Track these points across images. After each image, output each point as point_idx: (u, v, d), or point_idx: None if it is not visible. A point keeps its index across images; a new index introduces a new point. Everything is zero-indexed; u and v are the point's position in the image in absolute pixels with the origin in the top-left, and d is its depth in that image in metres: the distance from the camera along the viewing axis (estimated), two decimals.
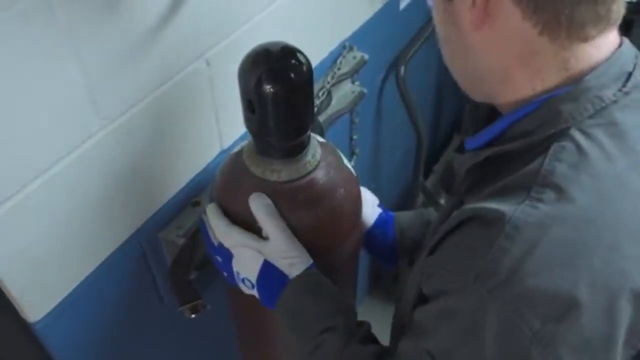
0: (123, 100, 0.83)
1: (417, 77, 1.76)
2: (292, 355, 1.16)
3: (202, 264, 1.05)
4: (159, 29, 0.83)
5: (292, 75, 0.77)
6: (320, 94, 1.29)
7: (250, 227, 0.88)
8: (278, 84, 0.77)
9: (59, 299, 0.86)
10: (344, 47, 1.37)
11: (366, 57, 1.40)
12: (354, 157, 1.67)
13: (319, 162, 0.88)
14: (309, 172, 0.87)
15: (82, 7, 0.71)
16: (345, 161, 0.96)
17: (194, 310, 1.01)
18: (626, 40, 0.66)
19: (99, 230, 0.88)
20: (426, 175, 2.31)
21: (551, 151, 0.62)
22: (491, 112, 0.76)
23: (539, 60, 0.62)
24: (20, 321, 0.83)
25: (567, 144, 0.62)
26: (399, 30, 1.70)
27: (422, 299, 0.72)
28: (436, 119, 2.48)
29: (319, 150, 0.89)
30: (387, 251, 1.04)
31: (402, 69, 1.70)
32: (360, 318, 0.89)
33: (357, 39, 1.40)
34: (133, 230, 0.95)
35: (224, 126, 1.05)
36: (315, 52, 1.24)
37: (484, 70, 0.67)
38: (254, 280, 0.84)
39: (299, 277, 0.83)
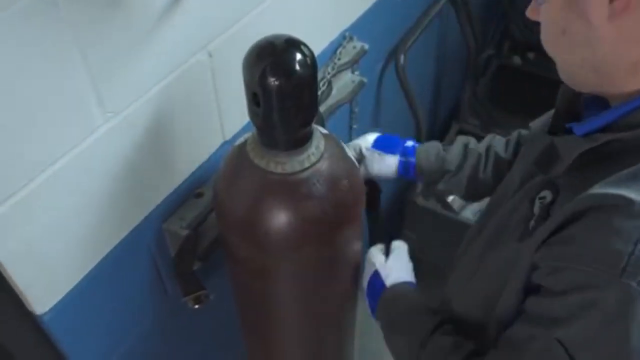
0: (127, 94, 0.83)
1: (416, 66, 1.76)
2: (296, 343, 1.17)
3: (205, 255, 1.05)
4: (161, 22, 0.83)
5: (297, 68, 0.78)
6: (321, 84, 1.29)
7: (252, 220, 0.89)
8: (283, 76, 0.77)
9: (65, 292, 0.86)
10: (344, 37, 1.37)
11: (366, 47, 1.40)
12: None
13: (322, 153, 0.88)
14: (313, 164, 0.87)
15: (84, 2, 0.71)
16: (348, 152, 0.96)
17: (198, 300, 1.02)
18: None
19: (104, 223, 0.88)
20: None
21: None
22: (595, 98, 0.75)
23: None
24: (27, 314, 0.83)
25: None
26: (398, 19, 1.70)
27: (532, 289, 0.72)
28: (435, 107, 2.49)
29: (322, 142, 0.90)
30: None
31: (402, 58, 1.70)
32: (360, 304, 0.93)
33: (356, 29, 1.40)
34: (137, 222, 0.95)
35: (227, 117, 1.05)
36: (315, 43, 1.24)
37: (608, 62, 0.66)
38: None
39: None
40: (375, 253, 1.07)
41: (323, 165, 0.88)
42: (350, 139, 1.65)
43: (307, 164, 0.87)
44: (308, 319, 1.09)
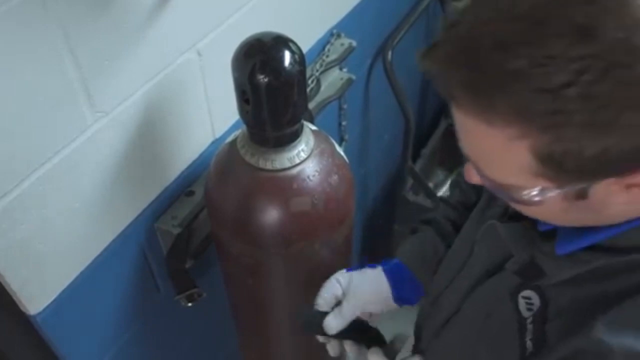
0: (116, 93, 0.83)
1: (404, 62, 1.76)
2: (289, 339, 1.18)
3: (197, 252, 1.06)
4: (150, 21, 0.84)
5: (286, 66, 0.78)
6: (309, 81, 1.30)
7: (243, 216, 0.89)
8: (272, 74, 0.78)
9: (58, 291, 0.86)
10: (332, 35, 1.38)
11: (354, 44, 1.40)
12: (344, 143, 1.68)
13: (312, 150, 0.89)
14: (303, 160, 0.88)
15: (73, 3, 0.71)
16: (338, 148, 0.97)
17: (190, 298, 1.02)
18: None
19: (96, 222, 0.89)
20: (414, 159, 2.33)
21: None
22: None
23: None
24: (20, 314, 0.84)
25: None
26: (386, 16, 1.70)
27: None
28: (423, 103, 2.50)
29: (312, 138, 0.90)
30: (414, 291, 0.95)
31: (389, 54, 1.71)
32: None
33: (344, 26, 1.41)
34: (129, 221, 0.95)
35: (216, 116, 1.06)
36: (303, 40, 1.24)
37: (604, 222, 0.57)
38: None
39: None
40: None
41: (313, 162, 0.89)
42: (339, 136, 1.67)
43: (297, 161, 0.88)
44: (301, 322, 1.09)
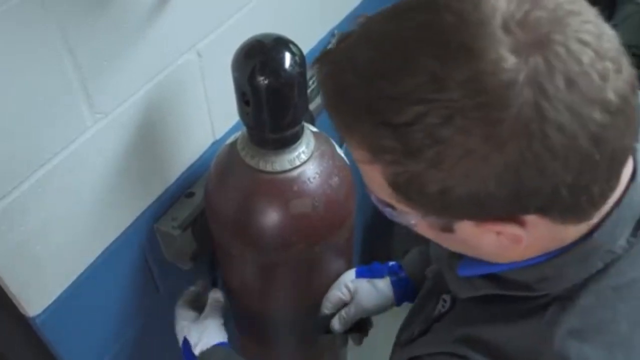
0: (116, 95, 0.83)
1: None
2: (289, 341, 1.18)
3: (197, 254, 1.05)
4: (149, 22, 0.83)
5: (286, 67, 0.78)
6: (310, 82, 1.29)
7: (243, 218, 0.89)
8: (272, 75, 0.77)
9: (57, 293, 0.86)
10: (333, 35, 1.37)
11: None
12: (344, 144, 1.67)
13: (312, 152, 0.89)
14: (304, 162, 0.87)
15: (73, 3, 0.71)
16: (338, 149, 0.97)
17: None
18: None
19: (96, 224, 0.88)
20: None
21: (550, 310, 0.55)
22: None
23: (562, 239, 0.54)
24: (19, 316, 0.83)
25: (568, 305, 0.55)
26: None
27: None
28: None
29: (312, 140, 0.90)
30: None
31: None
32: None
33: (345, 26, 1.40)
34: (129, 222, 0.95)
35: (216, 117, 1.05)
36: (304, 41, 1.24)
37: (498, 258, 0.58)
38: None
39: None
40: (182, 312, 1.01)
41: (313, 164, 0.89)
42: (340, 137, 1.66)
43: (297, 162, 0.87)
44: (301, 316, 1.09)
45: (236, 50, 0.80)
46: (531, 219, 0.48)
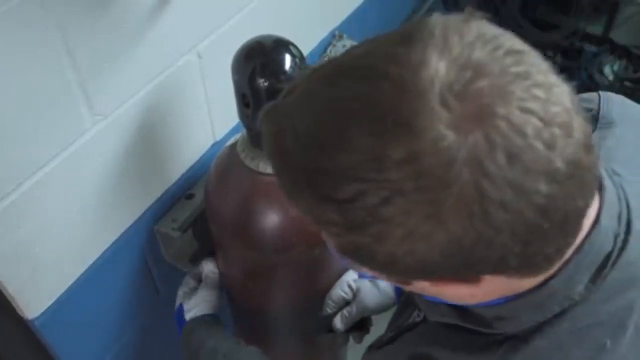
0: (116, 96, 0.83)
1: None
2: (289, 342, 1.17)
3: (197, 256, 1.05)
4: (149, 23, 0.83)
5: (286, 69, 0.78)
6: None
7: (243, 220, 0.88)
8: (272, 77, 0.77)
9: (56, 295, 0.86)
10: (334, 36, 1.37)
11: (356, 44, 1.39)
12: None
13: None
14: None
15: (72, 4, 0.71)
16: (341, 292, 0.98)
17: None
18: (608, 197, 0.52)
19: (95, 226, 0.88)
20: None
21: (502, 349, 0.55)
22: None
23: (519, 287, 0.53)
24: (18, 319, 0.83)
25: (521, 345, 0.55)
26: (388, 17, 1.70)
27: None
28: None
29: None
30: None
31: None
32: None
33: (346, 28, 1.40)
34: (129, 224, 0.95)
35: (217, 118, 1.05)
36: (305, 42, 1.23)
37: (459, 301, 0.58)
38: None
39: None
40: (186, 280, 1.05)
41: None
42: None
43: None
44: (301, 317, 1.09)
45: (236, 52, 0.79)
46: (485, 278, 0.48)
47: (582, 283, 0.52)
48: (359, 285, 1.02)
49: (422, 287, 0.52)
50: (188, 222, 1.01)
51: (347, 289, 1.02)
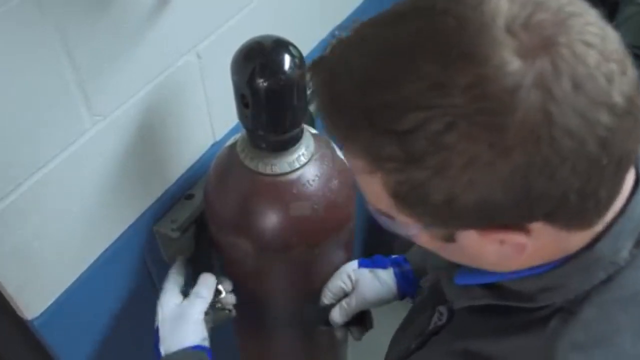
0: (115, 96, 0.82)
1: None
2: (289, 342, 1.17)
3: (195, 257, 1.05)
4: (149, 24, 0.83)
5: (285, 69, 0.78)
6: (310, 84, 1.29)
7: (243, 221, 0.88)
8: (271, 77, 0.77)
9: (55, 296, 0.86)
10: (333, 36, 1.36)
11: None
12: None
13: (312, 154, 0.89)
14: (303, 165, 0.87)
15: (71, 4, 0.70)
16: (338, 152, 0.96)
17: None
18: None
19: (95, 226, 0.88)
20: None
21: (552, 323, 0.54)
22: None
23: (566, 248, 0.53)
24: (17, 319, 0.83)
25: (571, 317, 0.54)
26: None
27: None
28: None
29: (312, 143, 0.90)
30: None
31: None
32: None
33: (346, 27, 1.40)
34: (128, 224, 0.95)
35: (216, 118, 1.05)
36: (304, 42, 1.23)
37: (499, 268, 0.57)
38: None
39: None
40: (166, 293, 0.89)
41: (313, 166, 0.88)
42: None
43: (297, 165, 0.87)
44: (300, 317, 1.09)
45: (235, 52, 0.79)
46: (536, 226, 0.47)
47: (625, 248, 0.52)
48: (358, 276, 0.98)
49: (466, 245, 0.51)
50: (187, 223, 1.01)
51: (346, 279, 0.98)
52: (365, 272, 0.98)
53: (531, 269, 0.55)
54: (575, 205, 0.45)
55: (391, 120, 0.44)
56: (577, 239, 0.52)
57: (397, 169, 0.45)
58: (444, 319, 0.68)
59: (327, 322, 1.00)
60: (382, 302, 0.98)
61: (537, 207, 0.45)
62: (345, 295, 1.00)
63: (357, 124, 0.46)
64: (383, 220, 0.55)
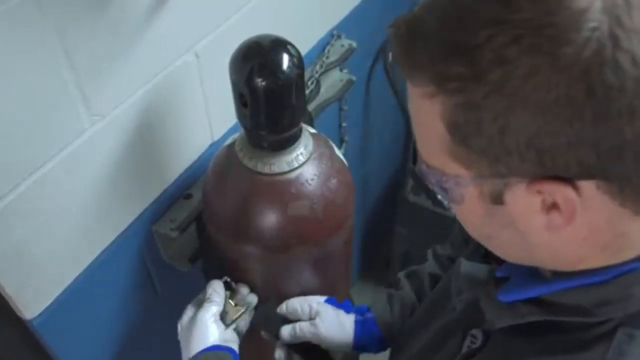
0: (113, 96, 0.82)
1: None
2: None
3: (195, 256, 1.05)
4: (147, 24, 0.83)
5: (284, 68, 0.78)
6: (309, 83, 1.29)
7: (241, 220, 0.88)
8: (269, 77, 0.77)
9: (54, 296, 0.86)
10: (332, 36, 1.37)
11: (354, 44, 1.39)
12: (344, 144, 1.67)
13: (311, 153, 0.89)
14: (302, 164, 0.87)
15: (70, 4, 0.71)
16: (337, 151, 0.96)
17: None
18: None
19: (94, 226, 0.88)
20: (415, 159, 2.33)
21: (616, 341, 0.49)
22: None
23: (626, 240, 0.49)
24: (16, 319, 0.83)
25: (638, 332, 0.49)
26: (387, 17, 1.69)
27: None
28: None
29: (311, 142, 0.90)
30: (377, 346, 0.96)
31: (390, 55, 1.70)
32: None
33: (344, 27, 1.40)
34: (127, 224, 0.95)
35: (215, 118, 1.05)
36: (303, 42, 1.23)
37: (549, 259, 0.54)
38: None
39: None
40: (187, 311, 0.93)
41: (312, 165, 0.88)
42: (340, 137, 1.66)
43: (295, 164, 0.87)
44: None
45: (234, 52, 0.79)
46: (587, 186, 0.45)
47: None
48: (320, 309, 0.95)
49: (514, 210, 0.49)
50: (186, 223, 1.01)
51: (305, 307, 0.96)
52: (329, 308, 0.96)
53: (588, 276, 0.51)
54: (631, 166, 0.43)
55: (461, 37, 0.44)
56: (635, 223, 0.48)
57: (458, 89, 0.45)
58: (478, 342, 0.63)
59: (276, 334, 0.97)
60: (334, 345, 0.94)
61: (589, 152, 0.43)
62: (297, 321, 0.97)
63: (432, 51, 0.46)
64: (433, 178, 0.53)
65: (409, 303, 0.95)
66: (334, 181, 0.90)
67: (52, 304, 0.86)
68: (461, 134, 0.47)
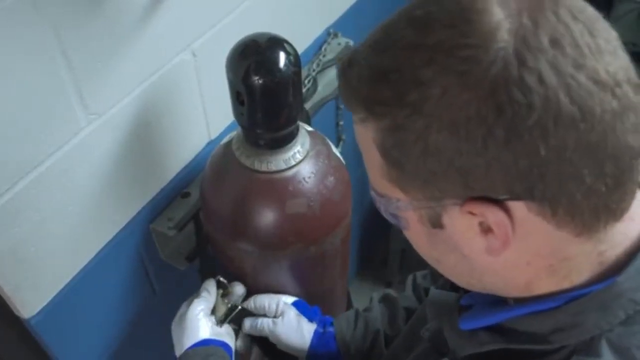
0: (110, 95, 0.82)
1: None
2: None
3: (193, 255, 1.05)
4: (143, 22, 0.83)
5: (281, 67, 0.78)
6: (306, 81, 1.29)
7: (239, 218, 0.88)
8: (266, 75, 0.77)
9: (52, 295, 0.86)
10: (329, 34, 1.37)
11: (351, 43, 1.40)
12: (341, 143, 1.67)
13: (308, 151, 0.89)
14: (299, 162, 0.87)
15: (66, 3, 0.70)
16: (334, 149, 0.96)
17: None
18: None
19: (91, 225, 0.88)
20: None
21: None
22: None
23: (572, 263, 0.49)
24: (14, 317, 0.83)
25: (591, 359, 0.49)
26: (383, 15, 1.69)
27: None
28: None
29: (308, 140, 0.90)
30: None
31: None
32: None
33: (341, 26, 1.40)
34: (124, 223, 0.95)
35: (212, 117, 1.05)
36: (300, 40, 1.23)
37: (498, 284, 0.54)
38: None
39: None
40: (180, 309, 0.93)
41: (309, 163, 0.88)
42: (337, 136, 1.66)
43: (292, 162, 0.87)
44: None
45: (230, 50, 0.80)
46: (517, 207, 0.45)
47: None
48: (285, 310, 0.95)
49: (453, 232, 0.49)
50: (184, 221, 1.01)
51: (272, 304, 0.95)
52: (293, 311, 0.95)
53: (542, 302, 0.51)
54: (554, 185, 0.43)
55: (388, 61, 0.46)
56: (576, 246, 0.48)
57: (384, 113, 0.47)
58: None
59: (240, 324, 0.97)
60: (290, 348, 0.94)
61: (509, 172, 0.43)
62: (264, 316, 0.97)
63: (362, 77, 0.48)
64: (380, 202, 0.54)
65: (372, 330, 0.93)
66: (331, 179, 0.90)
67: (49, 303, 0.86)
68: (392, 158, 0.48)
